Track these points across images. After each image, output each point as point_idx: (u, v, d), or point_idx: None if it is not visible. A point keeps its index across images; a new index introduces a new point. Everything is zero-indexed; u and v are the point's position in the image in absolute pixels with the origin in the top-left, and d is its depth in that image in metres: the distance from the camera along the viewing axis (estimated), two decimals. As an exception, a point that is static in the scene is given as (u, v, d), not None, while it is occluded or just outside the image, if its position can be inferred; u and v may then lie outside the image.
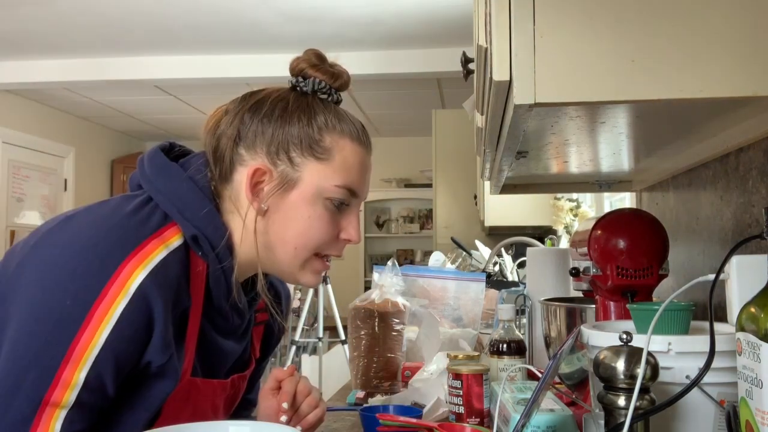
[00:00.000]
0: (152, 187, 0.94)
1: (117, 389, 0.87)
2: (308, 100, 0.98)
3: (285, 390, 1.05)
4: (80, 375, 0.81)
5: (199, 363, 0.97)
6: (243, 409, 1.20)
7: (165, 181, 0.95)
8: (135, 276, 0.84)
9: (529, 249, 1.91)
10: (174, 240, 0.91)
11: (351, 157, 0.98)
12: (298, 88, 0.99)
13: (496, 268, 2.80)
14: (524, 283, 2.09)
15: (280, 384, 1.07)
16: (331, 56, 1.03)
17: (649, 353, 0.74)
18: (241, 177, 0.96)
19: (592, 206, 2.99)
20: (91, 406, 0.84)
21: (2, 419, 0.80)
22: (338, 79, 1.01)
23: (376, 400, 1.47)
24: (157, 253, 0.88)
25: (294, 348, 4.08)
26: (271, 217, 0.96)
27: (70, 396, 0.81)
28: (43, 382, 0.80)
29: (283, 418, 1.02)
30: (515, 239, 2.81)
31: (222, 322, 0.99)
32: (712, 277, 0.80)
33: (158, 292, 0.86)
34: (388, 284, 1.71)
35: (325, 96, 1.00)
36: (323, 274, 1.05)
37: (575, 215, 3.04)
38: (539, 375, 1.04)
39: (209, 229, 0.93)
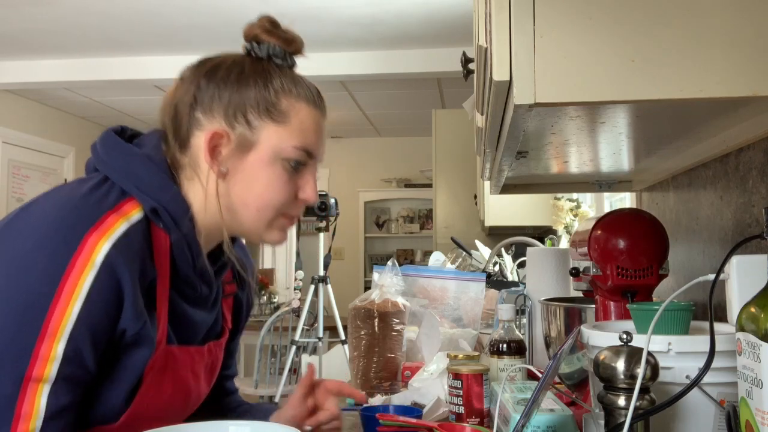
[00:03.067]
0: (107, 166, 0.96)
1: (98, 363, 0.88)
2: (263, 64, 1.00)
3: (319, 419, 1.16)
4: (58, 348, 0.83)
5: (172, 332, 0.99)
6: (222, 396, 1.23)
7: (119, 158, 0.96)
8: (99, 248, 0.86)
9: (529, 249, 1.91)
10: (134, 213, 0.92)
11: (307, 119, 1.00)
12: (252, 53, 1.01)
13: (496, 268, 2.79)
14: (524, 283, 2.09)
15: (309, 391, 1.17)
16: (286, 23, 1.06)
17: (649, 353, 0.74)
18: (199, 141, 0.97)
19: (592, 206, 2.99)
20: (74, 380, 0.86)
21: None
22: (292, 44, 1.03)
23: (376, 400, 1.46)
24: (118, 226, 0.89)
25: (294, 348, 4.07)
26: (231, 180, 0.98)
27: (51, 370, 0.83)
28: (22, 360, 0.82)
29: (308, 428, 1.15)
30: (515, 239, 2.81)
31: (190, 292, 1.01)
32: (712, 277, 0.80)
33: (124, 263, 0.88)
34: (388, 284, 1.71)
35: (279, 61, 1.01)
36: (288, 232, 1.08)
37: (575, 215, 3.04)
38: (539, 375, 1.04)
39: (168, 200, 0.95)
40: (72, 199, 0.91)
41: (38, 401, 0.82)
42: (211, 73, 0.99)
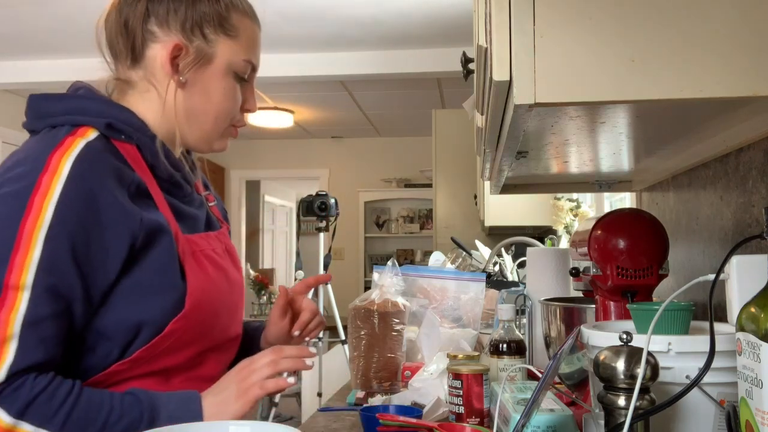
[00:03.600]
0: (48, 118, 1.01)
1: (83, 277, 0.91)
2: None
3: (302, 320, 1.25)
4: (33, 255, 0.87)
5: (182, 227, 1.05)
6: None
7: (57, 105, 1.02)
8: (63, 163, 0.92)
9: (529, 249, 1.91)
10: (89, 133, 0.98)
11: (252, 34, 1.09)
12: None
13: (496, 268, 2.79)
14: (524, 283, 2.09)
15: (284, 310, 1.25)
16: None
17: (649, 353, 0.74)
18: (155, 53, 1.04)
19: (592, 206, 2.99)
20: (56, 292, 0.89)
21: None
22: None
23: (376, 400, 1.46)
24: (76, 144, 0.95)
25: (294, 348, 4.08)
26: (189, 90, 1.05)
27: (27, 277, 0.87)
28: (0, 271, 0.86)
29: (297, 332, 1.25)
30: (515, 239, 2.81)
31: (179, 192, 1.09)
32: (712, 277, 0.80)
33: (91, 168, 0.93)
34: (388, 284, 1.70)
35: None
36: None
37: (575, 215, 3.04)
38: (539, 375, 1.04)
39: (118, 114, 1.01)
40: (28, 146, 0.99)
41: (17, 307, 0.86)
42: None
